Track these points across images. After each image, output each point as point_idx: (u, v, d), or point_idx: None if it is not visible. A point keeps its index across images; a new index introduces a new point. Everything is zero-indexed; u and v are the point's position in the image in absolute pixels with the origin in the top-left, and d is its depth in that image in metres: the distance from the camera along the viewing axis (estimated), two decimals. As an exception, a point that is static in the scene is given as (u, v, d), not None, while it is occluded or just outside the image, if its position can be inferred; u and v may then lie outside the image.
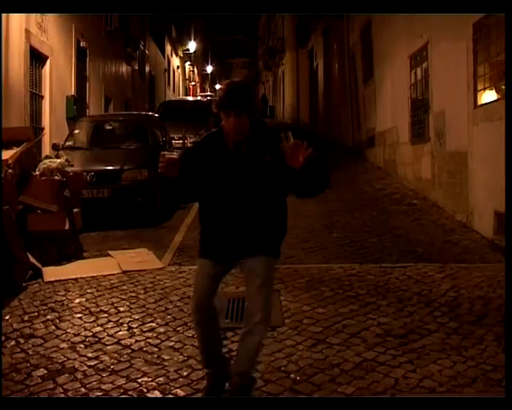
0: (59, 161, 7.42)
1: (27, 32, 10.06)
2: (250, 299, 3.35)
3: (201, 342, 3.52)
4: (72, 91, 13.11)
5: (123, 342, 4.44)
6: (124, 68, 20.40)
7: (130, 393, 3.68)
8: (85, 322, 4.86)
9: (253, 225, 3.35)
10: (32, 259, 6.17)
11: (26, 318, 4.99)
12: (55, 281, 5.95)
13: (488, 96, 7.11)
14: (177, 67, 42.02)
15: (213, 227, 3.43)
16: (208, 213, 3.45)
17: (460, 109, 7.82)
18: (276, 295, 5.25)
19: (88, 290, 5.67)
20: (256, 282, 3.31)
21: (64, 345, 4.41)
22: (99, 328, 4.73)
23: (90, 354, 4.24)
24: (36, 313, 5.09)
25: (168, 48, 35.42)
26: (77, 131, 10.57)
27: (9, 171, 6.40)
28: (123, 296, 5.46)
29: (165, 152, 3.13)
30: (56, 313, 5.08)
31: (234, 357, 3.63)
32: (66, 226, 6.87)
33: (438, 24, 8.62)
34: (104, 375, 3.91)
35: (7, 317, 5.01)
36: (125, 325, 4.78)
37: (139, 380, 3.82)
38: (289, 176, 3.21)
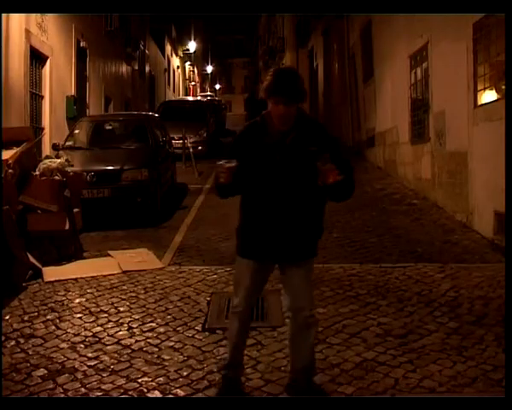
0: (59, 160, 7.42)
1: (27, 32, 10.06)
2: (297, 297, 3.39)
3: (233, 341, 3.54)
4: (72, 91, 13.11)
5: (123, 342, 4.44)
6: (124, 68, 20.40)
7: (130, 393, 3.68)
8: (85, 322, 4.86)
9: (297, 219, 3.31)
10: (32, 259, 6.17)
11: (26, 318, 4.99)
12: (55, 281, 5.95)
13: (488, 96, 7.11)
14: (177, 67, 42.02)
15: (256, 221, 3.35)
16: (252, 205, 3.37)
17: (460, 109, 7.82)
18: (277, 295, 5.25)
19: (88, 290, 5.67)
20: (302, 284, 3.37)
21: (64, 345, 4.42)
22: (99, 328, 4.73)
23: (90, 354, 4.24)
24: (36, 313, 5.09)
25: (168, 48, 35.43)
26: (77, 131, 10.57)
27: (9, 171, 6.40)
28: (123, 296, 5.46)
29: (223, 161, 3.07)
30: (56, 313, 5.08)
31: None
32: (67, 226, 6.87)
33: (438, 24, 8.61)
34: (104, 375, 3.92)
35: (7, 317, 5.01)
36: (125, 324, 4.78)
37: (139, 380, 3.83)
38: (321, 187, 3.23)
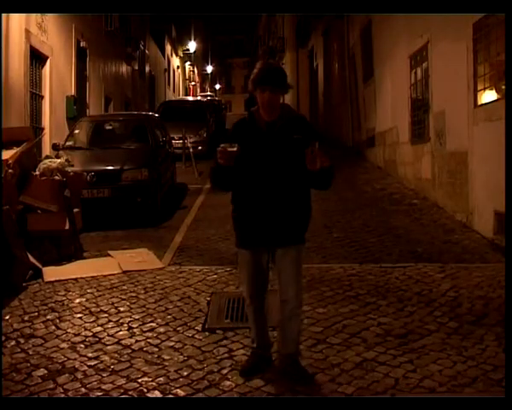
0: (59, 160, 7.42)
1: (27, 32, 10.05)
2: (285, 287, 3.68)
3: (255, 328, 3.86)
4: (72, 91, 13.11)
5: (123, 342, 4.44)
6: (124, 68, 20.40)
7: (130, 393, 3.68)
8: (85, 322, 4.86)
9: (286, 206, 3.57)
10: (32, 259, 6.17)
11: (26, 318, 4.99)
12: (56, 281, 5.95)
13: (488, 96, 7.11)
14: (177, 67, 42.02)
15: (247, 209, 3.62)
16: (243, 194, 3.63)
17: (460, 109, 7.82)
18: (276, 295, 5.24)
19: (88, 290, 5.67)
20: (291, 271, 3.64)
21: (64, 345, 4.42)
22: (99, 328, 4.73)
23: (90, 354, 4.24)
24: (36, 313, 5.09)
25: (168, 48, 35.43)
26: (77, 131, 10.57)
27: (9, 171, 6.40)
28: (123, 296, 5.46)
29: (223, 144, 3.32)
30: (56, 313, 5.08)
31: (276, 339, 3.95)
32: (67, 226, 6.87)
33: (438, 24, 8.62)
34: (104, 375, 3.92)
35: (7, 317, 5.01)
36: (126, 324, 4.78)
37: (139, 380, 3.83)
38: (306, 172, 3.48)
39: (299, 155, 3.42)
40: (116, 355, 4.21)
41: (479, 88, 7.30)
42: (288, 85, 3.58)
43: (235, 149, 3.42)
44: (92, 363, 4.10)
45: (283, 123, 3.57)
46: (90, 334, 4.61)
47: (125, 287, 5.75)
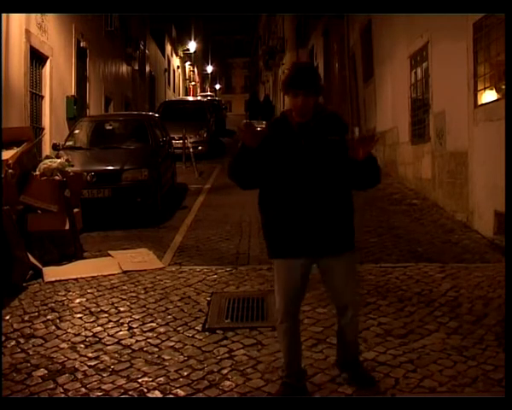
0: (59, 160, 7.42)
1: (27, 32, 10.05)
2: (340, 296, 3.49)
3: (286, 352, 3.51)
4: (73, 91, 13.10)
5: (123, 342, 4.44)
6: (124, 68, 20.39)
7: (130, 393, 3.68)
8: (86, 322, 4.87)
9: (329, 210, 3.35)
10: (32, 259, 6.17)
11: (26, 318, 4.99)
12: (56, 281, 5.95)
13: (488, 96, 7.11)
14: (178, 67, 42.00)
15: (284, 214, 3.35)
16: (275, 199, 3.38)
17: (460, 109, 7.82)
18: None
19: (88, 290, 5.67)
20: (344, 278, 3.45)
21: (64, 345, 4.42)
22: (99, 328, 4.73)
23: (90, 354, 4.24)
24: (36, 313, 5.09)
25: (168, 48, 35.40)
26: (77, 131, 10.56)
27: (10, 171, 6.40)
28: (123, 296, 5.46)
29: (253, 121, 3.25)
30: (57, 313, 5.08)
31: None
32: (67, 226, 6.87)
33: (438, 24, 8.61)
34: (104, 375, 3.92)
35: (7, 317, 5.01)
36: (126, 325, 4.78)
37: (139, 380, 3.83)
38: (349, 164, 3.32)
39: (337, 157, 3.30)
40: (116, 355, 4.21)
41: (479, 88, 7.30)
42: (321, 87, 3.41)
43: (263, 126, 3.25)
44: (92, 363, 4.10)
45: (316, 123, 3.37)
46: (91, 334, 4.61)
47: (125, 287, 5.75)
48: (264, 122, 3.84)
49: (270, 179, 3.37)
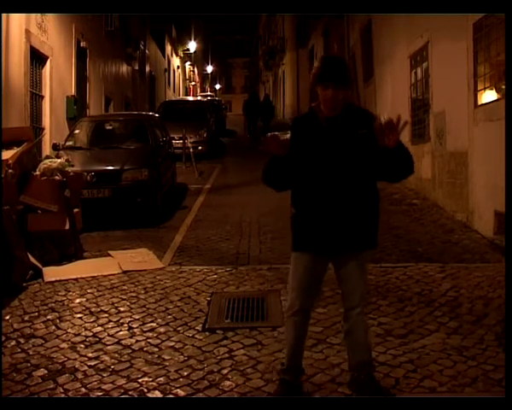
0: (59, 160, 7.42)
1: (27, 32, 10.05)
2: (351, 295, 3.42)
3: (290, 345, 3.51)
4: (73, 91, 13.10)
5: (123, 342, 4.44)
6: (124, 68, 20.39)
7: (130, 393, 3.68)
8: (86, 322, 4.86)
9: (352, 206, 3.31)
10: (32, 259, 6.17)
11: (26, 318, 4.99)
12: (56, 281, 5.95)
13: (488, 96, 7.11)
14: (178, 67, 42.00)
15: (311, 209, 3.35)
16: (304, 194, 3.37)
17: (460, 109, 7.82)
18: (277, 295, 5.25)
19: (88, 290, 5.67)
20: (357, 277, 3.38)
21: (64, 345, 4.42)
22: (99, 328, 4.73)
23: (90, 354, 4.24)
24: (36, 313, 5.09)
25: (168, 48, 35.41)
26: (77, 131, 10.56)
27: (10, 171, 6.40)
28: (123, 296, 5.46)
29: (276, 133, 3.18)
30: (57, 313, 5.08)
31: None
32: (67, 226, 6.87)
33: (438, 24, 8.61)
34: (105, 375, 3.92)
35: (7, 317, 5.01)
36: (126, 325, 4.78)
37: (140, 380, 3.83)
38: (380, 155, 3.25)
39: (366, 151, 3.26)
40: (116, 355, 4.21)
41: (479, 88, 7.30)
42: (351, 80, 3.38)
43: (287, 136, 3.24)
44: (92, 363, 4.10)
45: (345, 117, 3.33)
46: (91, 334, 4.61)
47: (125, 287, 5.75)
48: (289, 132, 3.86)
49: (301, 175, 3.37)
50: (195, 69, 54.18)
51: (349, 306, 3.44)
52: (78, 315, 5.02)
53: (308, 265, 3.39)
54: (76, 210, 7.17)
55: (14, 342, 4.49)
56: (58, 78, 12.03)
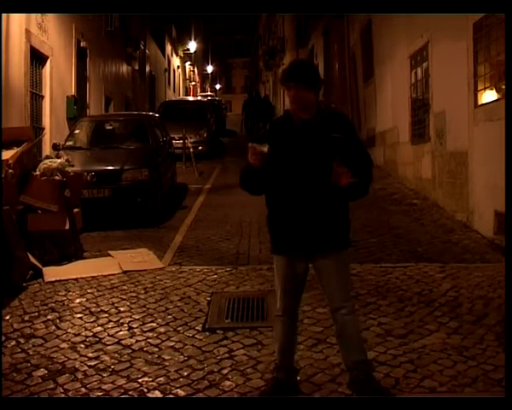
0: (59, 160, 7.42)
1: (28, 31, 10.05)
2: (331, 295, 3.46)
3: (279, 344, 3.56)
4: (73, 91, 13.10)
5: (123, 342, 4.44)
6: (124, 68, 20.38)
7: (130, 393, 3.68)
8: (86, 322, 4.87)
9: (325, 208, 3.37)
10: (32, 259, 6.17)
11: (26, 318, 4.99)
12: (56, 281, 5.95)
13: (488, 96, 7.11)
14: (178, 67, 42.00)
15: (283, 211, 3.41)
16: (278, 195, 3.44)
17: (460, 109, 7.82)
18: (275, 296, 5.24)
19: (88, 290, 5.67)
20: (336, 278, 3.41)
21: (64, 345, 4.42)
22: (99, 328, 4.73)
23: (90, 354, 4.24)
24: (36, 313, 5.09)
25: (168, 48, 35.40)
26: (77, 131, 10.56)
27: (10, 171, 6.40)
28: (123, 296, 5.46)
29: (254, 144, 3.23)
30: (57, 313, 5.08)
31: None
32: (67, 226, 6.87)
33: (438, 24, 8.61)
34: (105, 375, 3.92)
35: (7, 317, 5.01)
36: (126, 325, 4.78)
37: (140, 380, 3.83)
38: (350, 162, 3.33)
39: (338, 155, 3.30)
40: (116, 355, 4.21)
41: (479, 88, 7.30)
42: (315, 80, 3.41)
43: (265, 149, 3.25)
44: (92, 363, 4.10)
45: (320, 120, 3.40)
46: (91, 334, 4.62)
47: (125, 287, 5.75)
48: (266, 145, 3.91)
49: (275, 176, 3.41)
50: (195, 69, 54.18)
51: (333, 307, 3.48)
52: (78, 315, 5.03)
53: (286, 266, 3.44)
54: (76, 210, 7.17)
55: (14, 342, 4.49)
56: (58, 78, 12.03)
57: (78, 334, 4.62)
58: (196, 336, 4.52)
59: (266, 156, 3.26)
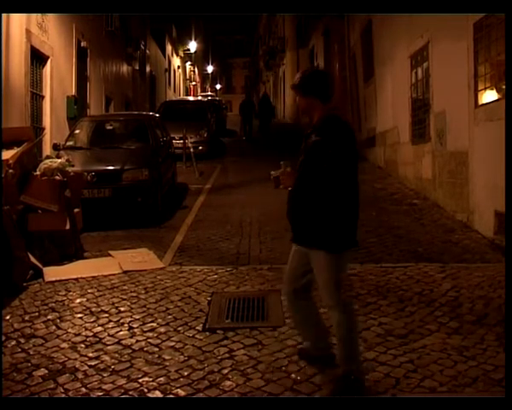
0: (60, 160, 7.42)
1: (28, 31, 10.06)
2: (321, 292, 3.70)
3: (294, 319, 4.05)
4: (73, 91, 13.11)
5: (124, 342, 4.45)
6: (124, 68, 20.39)
7: (130, 393, 3.68)
8: (86, 322, 4.87)
9: (296, 206, 3.63)
10: (32, 259, 6.18)
11: (26, 318, 5.00)
12: (56, 281, 5.96)
13: (489, 96, 7.11)
14: (178, 67, 42.01)
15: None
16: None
17: (460, 109, 7.82)
18: (277, 295, 5.25)
19: (89, 290, 5.67)
20: (319, 278, 3.63)
21: (65, 345, 4.42)
22: (100, 328, 4.73)
23: (90, 354, 4.24)
24: (37, 313, 5.09)
25: (169, 48, 35.41)
26: (77, 131, 10.56)
27: (10, 171, 6.40)
28: (124, 296, 5.46)
29: (272, 172, 3.52)
30: (57, 313, 5.08)
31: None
32: (67, 226, 6.87)
33: (438, 24, 8.61)
34: (105, 375, 3.92)
35: (8, 317, 5.02)
36: (126, 324, 4.78)
37: (140, 380, 3.83)
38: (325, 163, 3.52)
39: (314, 157, 3.46)
40: (117, 355, 4.21)
41: (479, 88, 7.30)
42: (308, 89, 3.57)
43: (278, 173, 3.61)
44: (93, 363, 4.10)
45: (316, 125, 3.58)
46: (91, 334, 4.62)
47: (125, 287, 5.75)
48: (283, 165, 4.05)
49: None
50: (196, 69, 54.19)
51: (325, 305, 3.75)
52: (79, 315, 5.03)
53: (292, 252, 3.82)
54: (76, 210, 7.17)
55: (14, 342, 4.49)
56: (58, 78, 12.04)
57: (79, 334, 4.62)
58: (197, 336, 4.52)
59: (291, 175, 3.59)
